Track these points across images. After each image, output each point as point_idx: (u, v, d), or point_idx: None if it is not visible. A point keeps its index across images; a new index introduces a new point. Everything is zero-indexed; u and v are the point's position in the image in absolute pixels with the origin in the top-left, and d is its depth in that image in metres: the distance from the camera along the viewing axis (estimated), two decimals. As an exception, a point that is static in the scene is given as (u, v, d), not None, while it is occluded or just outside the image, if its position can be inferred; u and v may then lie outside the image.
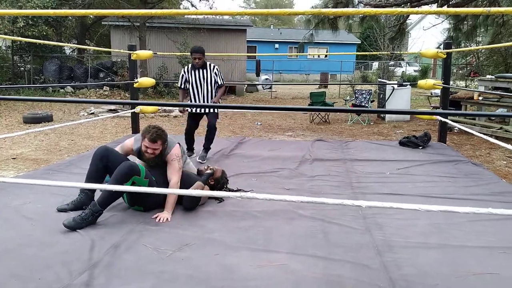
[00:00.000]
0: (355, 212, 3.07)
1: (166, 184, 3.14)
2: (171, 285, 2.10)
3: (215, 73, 4.85)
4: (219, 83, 4.88)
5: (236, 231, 2.77)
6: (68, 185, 2.56)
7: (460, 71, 17.60)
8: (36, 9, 12.65)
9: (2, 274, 2.15)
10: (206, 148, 4.95)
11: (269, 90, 20.92)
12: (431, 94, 12.93)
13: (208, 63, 4.88)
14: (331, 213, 3.05)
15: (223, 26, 19.00)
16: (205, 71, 4.83)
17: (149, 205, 3.08)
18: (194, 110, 4.93)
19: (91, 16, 20.56)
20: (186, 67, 4.93)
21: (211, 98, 4.89)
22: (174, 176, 3.16)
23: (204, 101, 4.85)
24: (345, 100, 12.33)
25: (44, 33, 15.00)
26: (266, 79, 22.90)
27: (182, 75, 4.91)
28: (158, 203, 3.08)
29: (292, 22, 49.80)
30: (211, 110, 4.84)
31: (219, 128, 9.29)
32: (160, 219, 2.91)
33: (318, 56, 30.56)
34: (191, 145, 5.10)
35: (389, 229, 2.79)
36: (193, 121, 5.01)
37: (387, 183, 3.90)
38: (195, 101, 4.85)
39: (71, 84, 9.42)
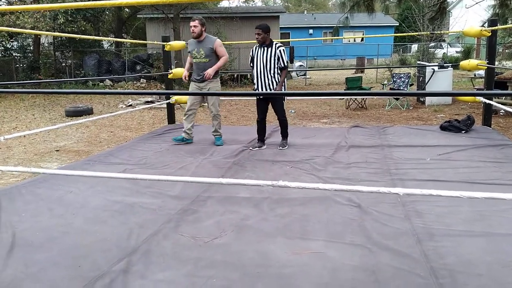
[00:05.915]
0: (393, 199, 2.97)
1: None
2: (207, 271, 2.12)
3: (280, 52, 4.57)
4: (282, 65, 4.60)
5: (273, 218, 2.76)
6: (108, 176, 2.63)
7: (506, 50, 16.61)
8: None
9: (46, 261, 2.24)
10: (284, 136, 4.82)
11: (303, 76, 20.62)
12: (475, 75, 12.33)
13: (274, 42, 4.64)
14: (369, 200, 2.97)
15: (256, 14, 18.87)
16: (268, 49, 4.58)
17: None
18: (257, 96, 4.67)
19: (127, 10, 21.00)
20: (254, 46, 4.75)
21: (274, 79, 4.62)
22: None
23: (266, 82, 4.62)
24: (383, 85, 11.98)
25: (83, 29, 15.49)
26: (300, 65, 22.58)
27: (251, 54, 4.74)
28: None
29: (326, 7, 48.79)
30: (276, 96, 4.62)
31: (253, 116, 9.31)
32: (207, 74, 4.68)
33: (354, 40, 29.83)
34: (263, 135, 4.88)
35: (429, 217, 2.68)
36: (261, 107, 4.78)
37: (428, 169, 3.74)
38: (258, 81, 4.66)
39: (110, 77, 9.68)
